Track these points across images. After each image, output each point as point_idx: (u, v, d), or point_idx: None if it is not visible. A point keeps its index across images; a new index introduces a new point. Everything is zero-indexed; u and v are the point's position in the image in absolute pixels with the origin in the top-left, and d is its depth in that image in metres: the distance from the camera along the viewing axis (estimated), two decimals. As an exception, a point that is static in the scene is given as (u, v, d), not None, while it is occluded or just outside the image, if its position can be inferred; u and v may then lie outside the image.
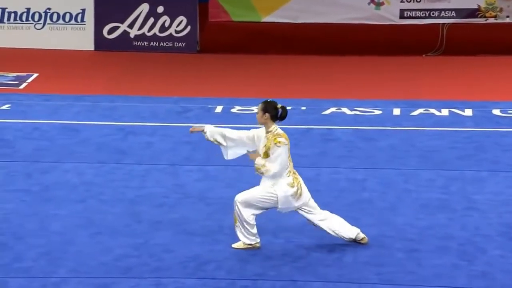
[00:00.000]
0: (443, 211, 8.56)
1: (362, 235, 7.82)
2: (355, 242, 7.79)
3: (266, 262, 7.54)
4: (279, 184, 7.67)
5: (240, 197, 7.69)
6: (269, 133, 7.73)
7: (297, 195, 7.68)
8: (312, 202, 7.78)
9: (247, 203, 7.67)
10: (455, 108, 11.80)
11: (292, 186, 7.68)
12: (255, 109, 11.65)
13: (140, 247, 7.78)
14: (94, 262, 7.50)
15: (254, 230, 7.70)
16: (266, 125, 7.75)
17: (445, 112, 11.68)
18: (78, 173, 9.44)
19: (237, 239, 7.75)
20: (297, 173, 7.77)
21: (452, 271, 7.42)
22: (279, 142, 7.65)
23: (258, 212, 7.73)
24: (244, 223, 7.68)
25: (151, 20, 14.58)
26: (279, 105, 7.73)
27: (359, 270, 7.42)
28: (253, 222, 7.69)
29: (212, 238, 7.92)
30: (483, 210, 8.60)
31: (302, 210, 7.77)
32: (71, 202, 8.70)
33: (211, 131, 7.85)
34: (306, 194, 7.74)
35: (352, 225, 7.91)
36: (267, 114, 7.71)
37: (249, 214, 7.68)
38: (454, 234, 8.07)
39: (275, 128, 7.74)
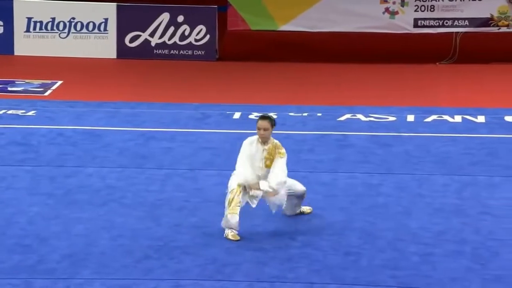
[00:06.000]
0: (457, 216, 8.46)
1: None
2: None
3: (284, 265, 7.48)
4: None
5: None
6: (269, 145, 7.84)
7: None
8: None
9: None
10: (468, 114, 11.70)
11: None
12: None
13: (160, 250, 7.74)
14: (116, 264, 7.46)
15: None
16: (269, 138, 7.82)
17: (458, 118, 11.58)
18: (100, 177, 9.42)
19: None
20: None
21: (467, 275, 7.33)
22: (283, 153, 7.86)
23: None
24: None
25: (172, 29, 14.57)
26: None
27: (375, 273, 7.34)
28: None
29: (230, 241, 7.85)
30: (497, 215, 8.49)
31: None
32: (93, 206, 8.68)
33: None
34: None
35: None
36: (272, 128, 7.87)
37: None
38: (468, 238, 7.98)
39: (273, 139, 7.87)
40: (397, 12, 14.43)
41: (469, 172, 9.60)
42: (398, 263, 7.51)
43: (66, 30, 14.65)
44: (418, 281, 7.23)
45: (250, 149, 7.86)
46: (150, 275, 7.31)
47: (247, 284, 7.18)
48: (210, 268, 7.42)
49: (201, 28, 14.52)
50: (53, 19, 14.68)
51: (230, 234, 7.82)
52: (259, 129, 7.90)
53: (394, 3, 14.40)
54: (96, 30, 14.61)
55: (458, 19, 14.38)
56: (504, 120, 11.48)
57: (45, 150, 10.30)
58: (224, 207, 7.99)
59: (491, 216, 8.45)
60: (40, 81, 13.40)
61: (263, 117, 7.92)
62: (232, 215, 7.80)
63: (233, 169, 9.57)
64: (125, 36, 14.57)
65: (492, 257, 7.62)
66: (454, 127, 11.28)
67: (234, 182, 7.93)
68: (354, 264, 7.49)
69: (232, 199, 7.81)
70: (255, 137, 7.94)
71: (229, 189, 7.93)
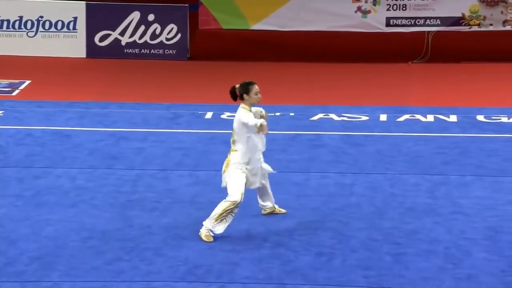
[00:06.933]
0: (429, 215, 8.55)
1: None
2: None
3: (256, 266, 7.51)
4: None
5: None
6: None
7: None
8: None
9: None
10: (440, 114, 11.81)
11: None
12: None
13: (132, 251, 7.73)
14: (86, 266, 7.45)
15: None
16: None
17: (430, 118, 11.69)
18: (70, 178, 9.39)
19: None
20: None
21: (438, 274, 7.41)
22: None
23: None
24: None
25: (142, 27, 14.54)
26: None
27: (347, 273, 7.39)
28: None
29: (202, 242, 7.87)
30: (469, 214, 8.59)
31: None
32: (63, 207, 8.65)
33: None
34: None
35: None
36: None
37: None
38: (440, 238, 8.06)
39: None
40: (369, 11, 14.53)
41: (441, 172, 9.69)
42: (370, 263, 7.57)
43: (34, 29, 14.57)
44: (390, 280, 7.29)
45: (252, 113, 7.88)
46: (121, 277, 7.30)
47: (219, 286, 7.19)
48: (182, 270, 7.43)
49: (172, 27, 14.51)
50: (21, 17, 14.59)
51: (205, 234, 7.83)
52: (257, 93, 7.90)
53: (366, 2, 14.50)
54: (65, 29, 14.54)
55: (430, 18, 14.52)
56: (476, 119, 11.60)
57: (13, 151, 10.24)
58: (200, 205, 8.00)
59: (463, 216, 8.54)
60: (7, 81, 13.30)
61: (253, 82, 7.90)
62: (223, 223, 7.78)
63: (205, 169, 9.58)
64: (94, 35, 14.52)
65: (464, 256, 7.70)
66: (426, 126, 11.38)
67: (239, 190, 7.78)
68: (326, 264, 7.54)
69: (231, 211, 7.78)
70: (244, 109, 7.91)
71: (231, 197, 7.80)
